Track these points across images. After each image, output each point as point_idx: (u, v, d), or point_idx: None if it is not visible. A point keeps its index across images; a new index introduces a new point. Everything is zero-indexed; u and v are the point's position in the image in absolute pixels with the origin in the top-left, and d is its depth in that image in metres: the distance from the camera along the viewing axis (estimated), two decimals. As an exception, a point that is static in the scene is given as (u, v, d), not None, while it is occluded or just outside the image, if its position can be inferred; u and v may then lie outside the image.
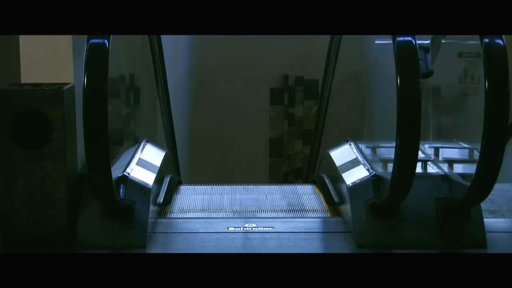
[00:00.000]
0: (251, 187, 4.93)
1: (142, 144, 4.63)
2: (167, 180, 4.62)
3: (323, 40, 6.92)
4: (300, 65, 9.89)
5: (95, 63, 3.10)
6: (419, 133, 3.17)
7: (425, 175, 3.91)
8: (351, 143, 4.74)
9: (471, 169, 3.92)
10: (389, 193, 3.43)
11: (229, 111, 10.00)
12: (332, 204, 4.34)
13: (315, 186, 4.91)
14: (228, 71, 9.86)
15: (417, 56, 3.17)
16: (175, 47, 9.12)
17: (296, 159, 10.46)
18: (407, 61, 3.17)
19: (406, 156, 3.24)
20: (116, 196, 3.41)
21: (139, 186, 3.82)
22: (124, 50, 5.05)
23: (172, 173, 5.17)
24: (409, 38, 3.19)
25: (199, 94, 9.99)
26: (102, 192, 3.35)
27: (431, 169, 4.00)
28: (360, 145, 4.62)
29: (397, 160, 3.24)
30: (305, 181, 7.31)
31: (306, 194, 4.71)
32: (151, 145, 4.70)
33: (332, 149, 4.84)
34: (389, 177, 3.68)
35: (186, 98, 9.85)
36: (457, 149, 4.33)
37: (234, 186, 4.93)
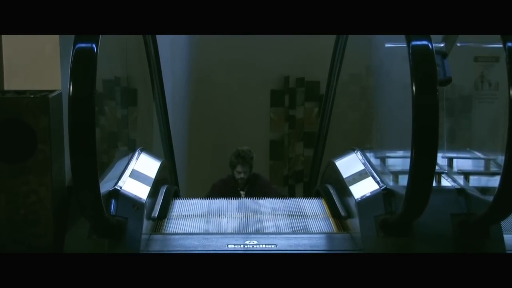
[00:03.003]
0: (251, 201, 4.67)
1: (137, 153, 4.36)
2: (163, 191, 4.34)
3: (325, 41, 6.70)
4: (301, 66, 9.68)
5: (81, 70, 2.82)
6: (437, 145, 2.90)
7: (440, 188, 3.63)
8: (358, 152, 4.47)
9: (489, 182, 3.68)
10: (403, 210, 3.15)
11: (229, 113, 9.78)
12: (338, 218, 4.07)
13: (322, 199, 4.63)
14: (228, 73, 9.64)
15: (434, 61, 2.90)
16: (173, 49, 8.88)
17: (297, 162, 10.26)
18: (424, 67, 2.90)
19: (423, 169, 2.96)
20: (105, 213, 3.13)
21: (132, 201, 3.55)
22: (117, 53, 4.78)
23: (169, 183, 4.89)
24: (426, 42, 2.92)
25: (197, 96, 9.76)
26: (90, 210, 3.07)
27: (446, 182, 3.72)
28: (368, 154, 4.34)
29: (413, 174, 2.96)
30: (308, 186, 7.03)
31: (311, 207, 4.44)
32: (146, 154, 4.43)
33: (337, 158, 4.57)
34: (401, 191, 3.41)
35: (185, 100, 9.63)
36: (474, 160, 4.05)
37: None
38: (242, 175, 6.22)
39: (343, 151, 5.16)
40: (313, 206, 4.44)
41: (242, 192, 6.30)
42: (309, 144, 9.67)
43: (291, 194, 9.85)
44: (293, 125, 10.05)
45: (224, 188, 6.34)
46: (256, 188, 6.32)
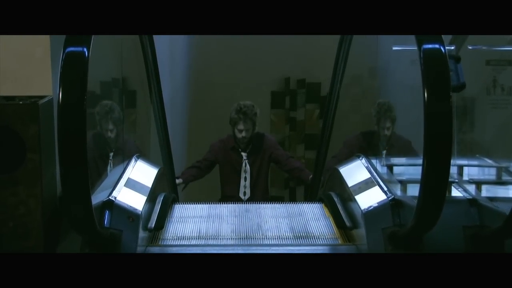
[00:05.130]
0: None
1: (133, 160, 4.18)
2: (160, 200, 4.16)
3: (326, 41, 6.54)
4: (302, 67, 9.54)
5: (71, 76, 2.65)
6: (450, 155, 2.73)
7: (451, 199, 3.45)
8: (363, 159, 4.29)
9: (503, 191, 3.51)
10: (415, 222, 2.97)
11: (229, 115, 9.63)
12: (343, 228, 3.89)
13: (323, 205, 4.46)
14: (228, 74, 9.49)
15: (448, 67, 2.73)
16: (172, 50, 8.73)
17: (298, 165, 10.11)
18: (436, 73, 2.72)
19: (435, 180, 2.78)
20: (97, 227, 2.95)
21: (127, 212, 3.38)
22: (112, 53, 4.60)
23: (166, 191, 4.70)
24: (438, 46, 2.75)
25: (197, 98, 9.62)
26: (81, 223, 2.89)
27: (457, 192, 3.54)
28: (373, 161, 4.16)
29: (425, 185, 2.79)
30: (310, 190, 6.83)
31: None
32: (143, 162, 4.25)
33: (342, 165, 4.38)
34: (410, 201, 3.25)
35: (184, 102, 9.48)
36: (486, 168, 3.87)
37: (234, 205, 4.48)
38: (243, 133, 5.56)
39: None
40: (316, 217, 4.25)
41: (243, 154, 5.73)
42: (310, 146, 9.54)
43: (292, 197, 9.72)
44: (294, 127, 9.93)
45: (224, 150, 5.78)
46: (260, 149, 5.74)
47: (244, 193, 5.89)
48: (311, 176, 6.06)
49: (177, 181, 5.81)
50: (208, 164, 5.97)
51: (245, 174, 5.80)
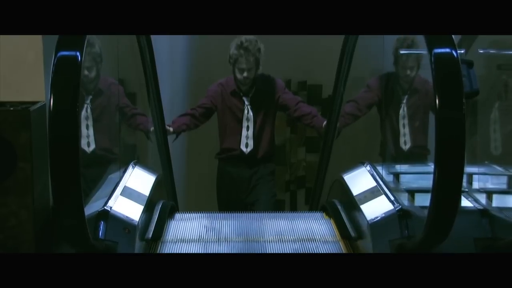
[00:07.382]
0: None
1: (130, 167, 4.04)
2: (158, 209, 4.02)
3: (328, 42, 6.40)
4: (303, 69, 9.41)
5: (63, 81, 2.52)
6: (463, 163, 2.61)
7: (460, 209, 3.30)
8: (368, 166, 4.14)
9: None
10: (425, 234, 2.83)
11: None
12: (348, 238, 3.74)
13: (325, 214, 4.32)
14: (228, 75, 9.35)
15: (460, 72, 2.60)
16: (172, 50, 8.60)
17: (299, 167, 10.00)
18: (449, 79, 2.59)
19: (448, 190, 2.67)
20: (91, 239, 2.81)
21: (123, 223, 3.25)
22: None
23: (165, 199, 4.55)
24: (450, 50, 2.62)
25: (197, 98, 9.49)
26: (74, 235, 2.76)
27: (467, 202, 3.40)
28: (379, 169, 4.02)
29: (436, 195, 2.66)
30: (312, 195, 6.70)
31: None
32: (140, 169, 4.11)
33: (346, 172, 4.23)
34: (418, 212, 3.11)
35: (184, 103, 9.35)
36: (497, 176, 3.74)
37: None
38: (245, 73, 4.80)
39: (349, 157, 4.84)
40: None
41: (245, 99, 5.00)
42: (311, 149, 9.41)
43: (293, 200, 9.60)
44: (295, 130, 9.80)
45: (222, 94, 5.05)
46: (265, 93, 5.01)
47: (246, 145, 5.19)
48: (325, 122, 5.39)
49: (168, 129, 5.16)
50: (203, 112, 5.21)
51: (248, 122, 5.10)
